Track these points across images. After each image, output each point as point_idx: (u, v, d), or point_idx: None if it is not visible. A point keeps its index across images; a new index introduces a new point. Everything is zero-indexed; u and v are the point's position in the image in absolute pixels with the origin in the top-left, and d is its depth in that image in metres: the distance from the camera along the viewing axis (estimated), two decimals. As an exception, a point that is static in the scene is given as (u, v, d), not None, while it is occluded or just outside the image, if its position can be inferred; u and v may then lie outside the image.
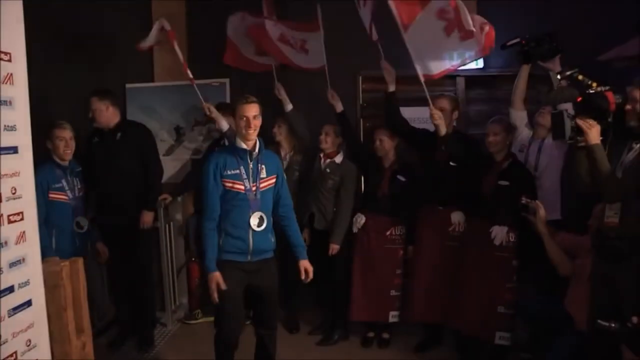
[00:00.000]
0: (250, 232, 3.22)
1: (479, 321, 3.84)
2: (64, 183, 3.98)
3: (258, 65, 4.86)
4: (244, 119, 3.15)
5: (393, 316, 4.32)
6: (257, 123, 3.18)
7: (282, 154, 4.60)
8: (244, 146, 3.21)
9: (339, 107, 4.44)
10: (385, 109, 4.29)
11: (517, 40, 3.80)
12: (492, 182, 3.84)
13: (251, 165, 3.24)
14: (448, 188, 4.05)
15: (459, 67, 4.10)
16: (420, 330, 4.40)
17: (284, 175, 3.46)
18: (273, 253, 3.39)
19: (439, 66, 4.05)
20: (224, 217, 3.22)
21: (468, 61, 4.03)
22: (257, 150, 3.24)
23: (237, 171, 3.19)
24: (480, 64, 5.08)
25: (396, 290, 4.31)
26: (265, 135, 4.68)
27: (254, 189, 3.23)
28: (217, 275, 3.17)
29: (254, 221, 3.21)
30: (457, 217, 4.11)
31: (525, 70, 3.96)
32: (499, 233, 3.78)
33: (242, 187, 3.21)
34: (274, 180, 3.33)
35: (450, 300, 4.06)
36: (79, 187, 4.10)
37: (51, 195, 3.90)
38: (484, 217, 3.87)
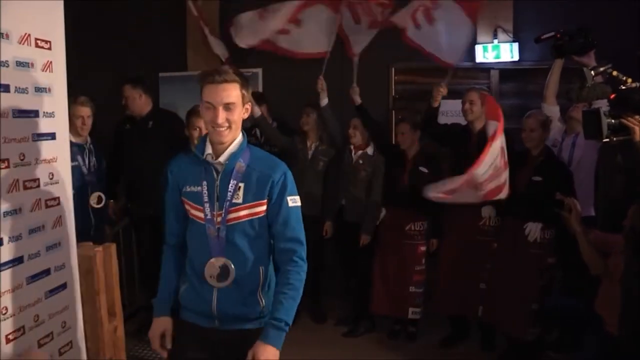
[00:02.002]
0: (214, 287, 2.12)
1: (510, 317, 3.81)
2: (80, 160, 3.94)
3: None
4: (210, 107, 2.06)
5: (413, 312, 4.31)
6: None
7: (308, 143, 4.61)
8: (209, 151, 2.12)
9: (357, 100, 4.42)
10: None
11: (552, 34, 3.73)
12: (526, 178, 3.78)
13: (217, 182, 2.11)
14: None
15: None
16: (447, 324, 4.37)
17: (287, 200, 2.15)
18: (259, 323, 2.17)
19: None
20: (188, 259, 2.20)
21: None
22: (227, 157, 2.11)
23: (199, 188, 2.11)
24: (515, 56, 5.00)
25: (416, 287, 4.29)
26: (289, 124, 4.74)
27: (218, 219, 2.10)
28: (165, 322, 2.21)
29: (211, 271, 2.11)
30: (487, 211, 4.06)
31: (558, 65, 3.88)
32: (534, 229, 3.73)
33: (202, 215, 2.12)
34: (262, 209, 2.12)
35: (481, 295, 4.03)
36: (94, 164, 4.09)
37: None
38: (517, 213, 3.81)
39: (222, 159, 2.09)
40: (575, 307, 3.44)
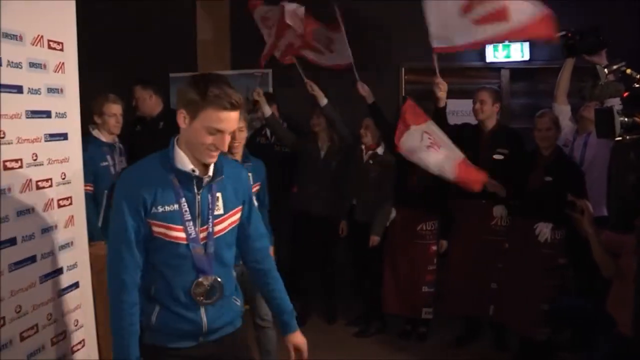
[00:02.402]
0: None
1: (521, 317, 3.79)
2: (109, 160, 3.81)
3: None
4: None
5: (426, 312, 4.29)
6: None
7: (320, 144, 4.61)
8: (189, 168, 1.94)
9: (370, 99, 4.41)
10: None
11: (563, 33, 3.71)
12: (537, 178, 3.76)
13: (199, 197, 1.96)
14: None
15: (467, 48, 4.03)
16: (459, 324, 4.36)
17: (253, 199, 2.20)
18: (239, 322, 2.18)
19: (450, 42, 3.92)
20: (155, 281, 1.98)
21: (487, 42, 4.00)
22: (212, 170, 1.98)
23: (176, 206, 1.91)
24: (526, 55, 4.98)
25: (428, 286, 4.27)
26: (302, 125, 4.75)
27: (203, 235, 1.98)
28: None
29: (199, 291, 1.97)
30: (499, 210, 4.04)
31: (569, 64, 3.86)
32: (544, 229, 3.71)
33: (183, 235, 1.94)
34: (239, 215, 2.09)
35: (492, 294, 4.02)
36: (124, 165, 3.99)
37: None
38: (528, 213, 3.79)
39: (210, 172, 1.95)
40: (586, 308, 3.42)
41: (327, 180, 4.47)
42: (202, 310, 1.98)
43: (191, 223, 1.91)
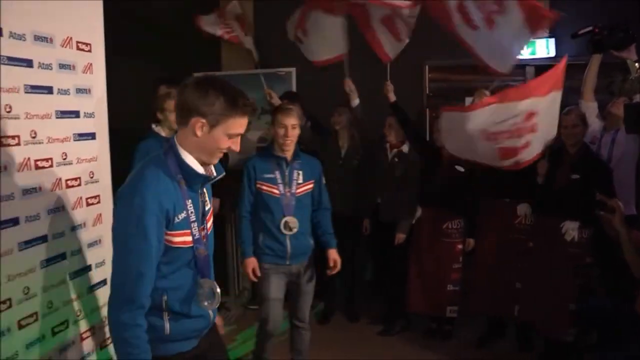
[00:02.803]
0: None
1: (547, 318, 3.76)
2: None
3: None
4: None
5: (452, 311, 4.27)
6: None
7: (340, 142, 4.62)
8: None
9: (392, 97, 4.39)
10: None
11: (589, 28, 3.66)
12: (564, 175, 3.71)
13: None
14: (515, 179, 3.94)
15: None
16: (483, 323, 4.33)
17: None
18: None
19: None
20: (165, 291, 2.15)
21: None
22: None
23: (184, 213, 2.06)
24: (552, 52, 4.92)
25: (454, 285, 4.25)
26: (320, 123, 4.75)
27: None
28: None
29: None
30: (523, 209, 4.01)
31: (596, 60, 3.80)
32: (570, 228, 3.66)
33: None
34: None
35: (517, 294, 3.98)
36: None
37: None
38: (553, 211, 3.75)
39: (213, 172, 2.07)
40: (613, 308, 3.36)
41: (348, 178, 4.48)
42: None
43: (196, 224, 1.96)
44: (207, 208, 2.04)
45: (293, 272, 3.29)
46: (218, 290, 2.02)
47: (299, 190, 3.23)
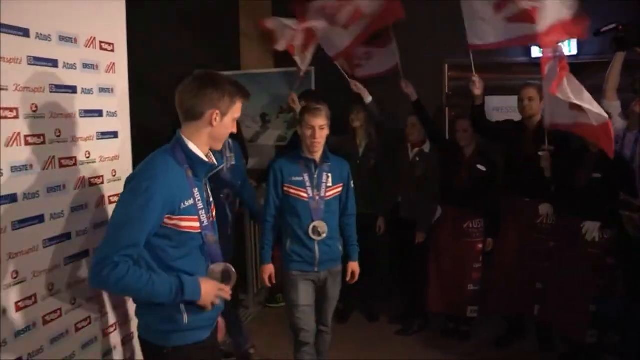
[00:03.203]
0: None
1: (567, 318, 3.72)
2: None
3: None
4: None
5: (472, 311, 4.25)
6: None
7: (358, 141, 4.61)
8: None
9: (414, 96, 4.38)
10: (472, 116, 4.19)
11: (613, 26, 3.60)
12: (585, 175, 3.67)
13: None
14: (535, 179, 3.91)
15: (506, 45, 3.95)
16: (501, 323, 4.30)
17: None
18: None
19: (484, 39, 3.89)
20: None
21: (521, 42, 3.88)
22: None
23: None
24: (573, 50, 4.85)
25: (474, 284, 4.23)
26: (340, 122, 4.74)
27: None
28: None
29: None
30: (545, 209, 3.97)
31: (619, 58, 3.75)
32: (591, 228, 3.61)
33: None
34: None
35: (537, 294, 3.95)
36: (233, 162, 3.91)
37: None
38: (575, 211, 3.71)
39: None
40: (635, 311, 3.33)
41: (365, 177, 4.46)
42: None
43: (203, 212, 2.07)
44: (211, 198, 2.17)
45: (321, 279, 3.21)
46: (233, 269, 2.14)
47: (328, 194, 3.14)
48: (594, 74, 4.84)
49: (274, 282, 3.24)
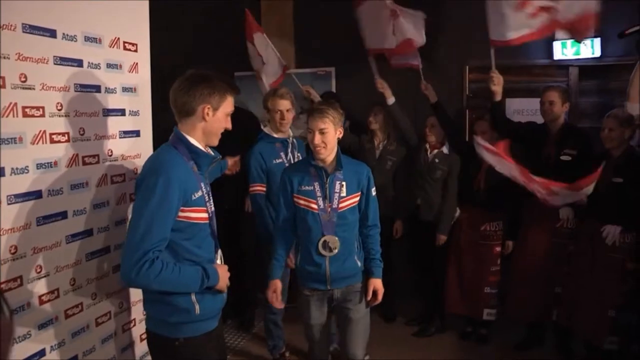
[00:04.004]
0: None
1: (587, 324, 3.68)
2: (283, 156, 3.61)
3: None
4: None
5: (488, 314, 4.22)
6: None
7: (376, 142, 4.61)
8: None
9: (433, 98, 4.36)
10: (492, 116, 4.17)
11: (638, 27, 3.55)
12: (606, 179, 3.63)
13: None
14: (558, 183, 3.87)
15: (524, 40, 3.87)
16: (520, 327, 4.27)
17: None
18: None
19: (506, 35, 3.85)
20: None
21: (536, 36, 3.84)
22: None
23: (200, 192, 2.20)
24: (597, 52, 4.80)
25: (491, 287, 4.19)
26: (360, 123, 4.75)
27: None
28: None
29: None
30: (566, 212, 3.92)
31: None
32: (612, 233, 3.57)
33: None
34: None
35: (557, 299, 3.92)
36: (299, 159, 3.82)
37: None
38: (596, 215, 3.67)
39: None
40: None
41: (382, 179, 4.45)
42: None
43: (210, 203, 2.20)
44: (210, 190, 2.26)
45: (337, 297, 2.87)
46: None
47: (341, 205, 2.76)
48: (618, 76, 4.79)
49: (279, 299, 2.90)
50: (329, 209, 2.75)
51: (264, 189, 3.52)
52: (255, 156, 3.51)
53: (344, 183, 2.77)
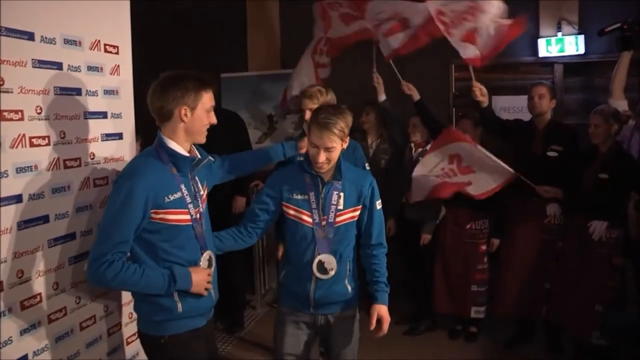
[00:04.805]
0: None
1: (575, 319, 3.71)
2: None
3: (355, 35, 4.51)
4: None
5: (476, 312, 4.23)
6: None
7: (369, 141, 4.61)
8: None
9: (416, 96, 4.35)
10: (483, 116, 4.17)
11: (618, 25, 3.59)
12: (593, 175, 3.66)
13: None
14: (544, 180, 3.89)
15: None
16: (510, 325, 4.28)
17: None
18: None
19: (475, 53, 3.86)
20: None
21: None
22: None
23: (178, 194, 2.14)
24: (581, 49, 4.83)
25: (479, 285, 4.21)
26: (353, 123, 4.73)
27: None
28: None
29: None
30: (552, 209, 3.94)
31: (626, 57, 3.74)
32: (598, 228, 3.59)
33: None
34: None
35: (546, 295, 3.95)
36: None
37: None
38: (583, 211, 3.69)
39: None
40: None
41: (377, 179, 4.44)
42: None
43: (191, 205, 2.16)
44: (200, 192, 2.26)
45: (321, 324, 2.52)
46: (213, 256, 2.29)
47: (338, 220, 2.42)
48: (601, 73, 4.83)
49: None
50: (324, 223, 2.41)
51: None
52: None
53: (341, 194, 2.43)
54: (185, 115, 2.10)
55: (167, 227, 2.08)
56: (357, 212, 2.49)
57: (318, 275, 2.41)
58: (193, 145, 2.25)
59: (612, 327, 3.52)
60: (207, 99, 2.16)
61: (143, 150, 2.23)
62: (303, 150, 2.73)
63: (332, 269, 2.41)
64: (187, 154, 2.17)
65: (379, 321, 2.45)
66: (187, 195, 2.15)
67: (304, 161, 2.46)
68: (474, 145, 3.82)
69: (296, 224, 2.43)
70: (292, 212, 2.44)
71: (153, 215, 2.04)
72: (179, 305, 2.14)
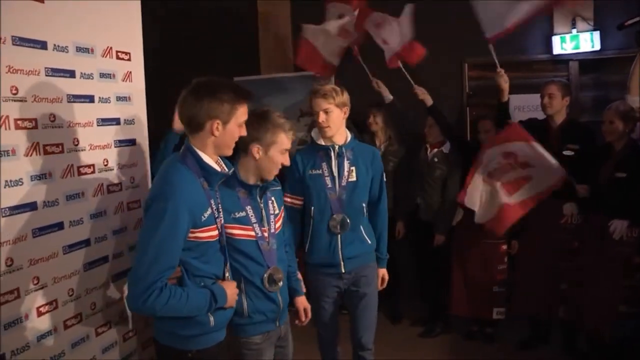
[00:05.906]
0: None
1: (594, 319, 3.64)
2: None
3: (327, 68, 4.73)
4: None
5: (498, 313, 4.19)
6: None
7: (377, 143, 4.59)
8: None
9: (429, 101, 4.29)
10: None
11: (637, 19, 3.52)
12: (608, 173, 3.61)
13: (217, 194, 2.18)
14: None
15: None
16: (525, 326, 4.24)
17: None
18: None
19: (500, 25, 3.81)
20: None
21: None
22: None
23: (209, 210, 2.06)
24: (596, 45, 4.76)
25: (500, 286, 4.17)
26: (360, 125, 4.72)
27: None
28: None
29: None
30: (570, 208, 3.89)
31: None
32: (619, 227, 3.53)
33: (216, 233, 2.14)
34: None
35: (562, 295, 3.89)
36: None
37: None
38: (600, 210, 3.64)
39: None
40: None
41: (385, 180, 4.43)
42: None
43: (220, 219, 2.09)
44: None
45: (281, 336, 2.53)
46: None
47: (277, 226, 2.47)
48: (618, 69, 4.75)
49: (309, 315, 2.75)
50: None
51: (298, 201, 2.98)
52: (292, 162, 2.77)
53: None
54: (217, 129, 1.98)
55: (199, 245, 1.99)
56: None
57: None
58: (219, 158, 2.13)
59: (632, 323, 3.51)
60: (241, 113, 2.04)
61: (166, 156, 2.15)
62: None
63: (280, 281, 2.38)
64: (219, 169, 2.07)
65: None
66: (215, 210, 2.05)
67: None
68: (531, 142, 3.70)
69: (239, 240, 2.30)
70: (236, 231, 2.29)
71: (189, 235, 1.95)
72: (212, 320, 2.05)
